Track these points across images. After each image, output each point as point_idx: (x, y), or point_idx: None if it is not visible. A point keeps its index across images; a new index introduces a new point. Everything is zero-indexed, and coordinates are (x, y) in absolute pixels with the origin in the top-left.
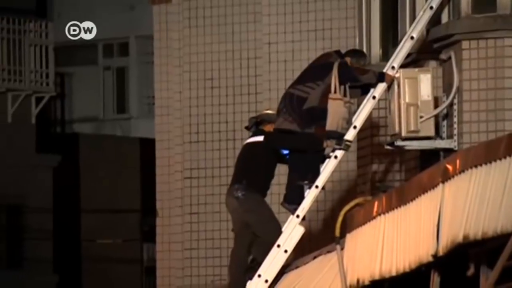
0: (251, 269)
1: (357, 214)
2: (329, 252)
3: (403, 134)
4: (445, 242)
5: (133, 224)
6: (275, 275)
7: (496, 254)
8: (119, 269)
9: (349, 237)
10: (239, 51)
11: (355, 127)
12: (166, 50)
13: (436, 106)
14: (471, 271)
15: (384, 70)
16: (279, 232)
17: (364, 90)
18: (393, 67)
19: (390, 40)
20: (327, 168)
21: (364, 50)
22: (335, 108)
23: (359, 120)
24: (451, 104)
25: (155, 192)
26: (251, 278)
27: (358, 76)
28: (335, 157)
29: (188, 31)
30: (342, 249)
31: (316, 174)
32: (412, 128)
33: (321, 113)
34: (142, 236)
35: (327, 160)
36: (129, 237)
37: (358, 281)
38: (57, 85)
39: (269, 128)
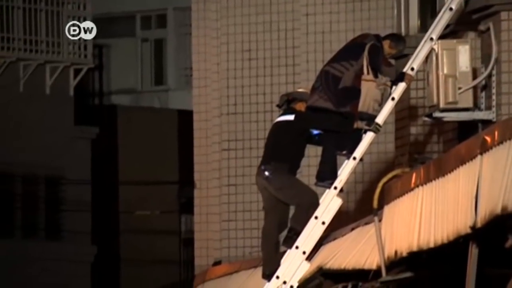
0: (289, 238)
1: (395, 186)
2: (367, 223)
3: (441, 105)
4: (483, 213)
5: (171, 196)
6: (313, 247)
7: None
8: (157, 240)
9: (387, 209)
10: (277, 23)
11: (393, 98)
12: (204, 22)
13: (474, 77)
14: (509, 242)
15: (422, 42)
16: (315, 199)
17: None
18: (431, 39)
19: (428, 11)
20: (365, 140)
21: (402, 21)
22: (367, 90)
23: (396, 92)
24: (489, 75)
25: (193, 164)
26: (290, 247)
27: (381, 67)
28: None
29: (226, 2)
30: (380, 220)
31: (355, 145)
32: (451, 100)
33: (355, 93)
34: (180, 208)
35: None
36: (167, 209)
37: (396, 253)
38: (95, 56)
39: (300, 106)
